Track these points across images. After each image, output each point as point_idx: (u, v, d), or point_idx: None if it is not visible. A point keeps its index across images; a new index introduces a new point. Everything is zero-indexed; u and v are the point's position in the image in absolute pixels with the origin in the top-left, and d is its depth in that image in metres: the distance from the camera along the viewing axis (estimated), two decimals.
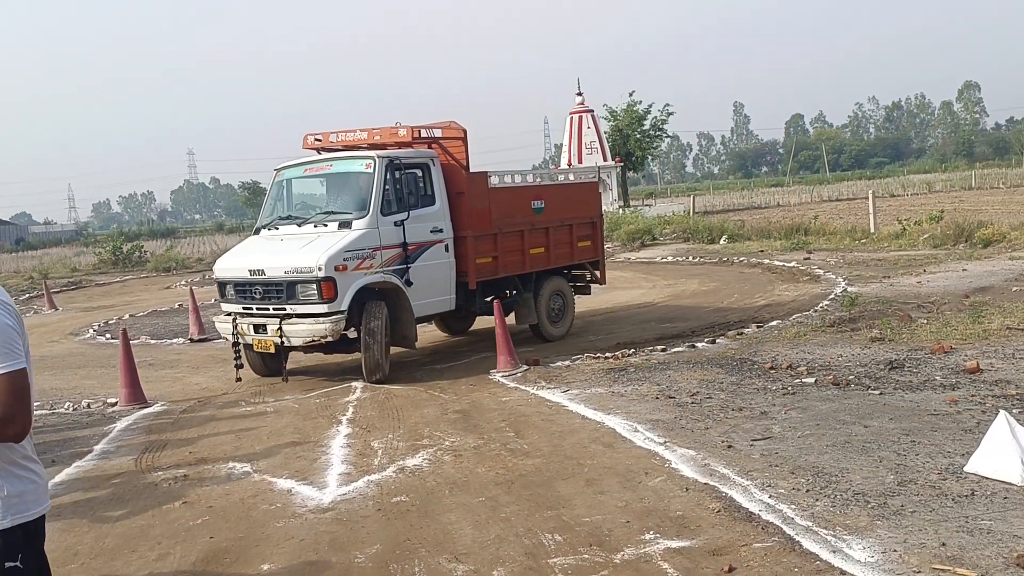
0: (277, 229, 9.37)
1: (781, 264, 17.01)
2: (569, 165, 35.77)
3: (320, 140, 10.00)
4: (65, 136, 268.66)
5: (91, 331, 14.78)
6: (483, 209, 9.72)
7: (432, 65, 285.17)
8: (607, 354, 9.30)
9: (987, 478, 4.75)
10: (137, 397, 8.55)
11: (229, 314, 9.03)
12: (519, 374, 8.67)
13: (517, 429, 6.67)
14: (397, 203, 8.98)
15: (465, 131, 9.76)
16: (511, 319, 10.72)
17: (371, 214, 8.79)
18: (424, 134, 9.51)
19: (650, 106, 39.08)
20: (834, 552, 4.01)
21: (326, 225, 8.91)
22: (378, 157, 9.02)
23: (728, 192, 65.98)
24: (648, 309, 13.10)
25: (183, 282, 23.95)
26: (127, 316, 16.74)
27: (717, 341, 9.63)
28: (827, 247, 19.78)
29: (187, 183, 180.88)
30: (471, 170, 9.79)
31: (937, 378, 7.16)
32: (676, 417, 6.59)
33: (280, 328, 8.44)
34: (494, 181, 10.03)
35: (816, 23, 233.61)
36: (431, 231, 9.31)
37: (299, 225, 9.18)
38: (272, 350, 8.73)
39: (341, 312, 8.40)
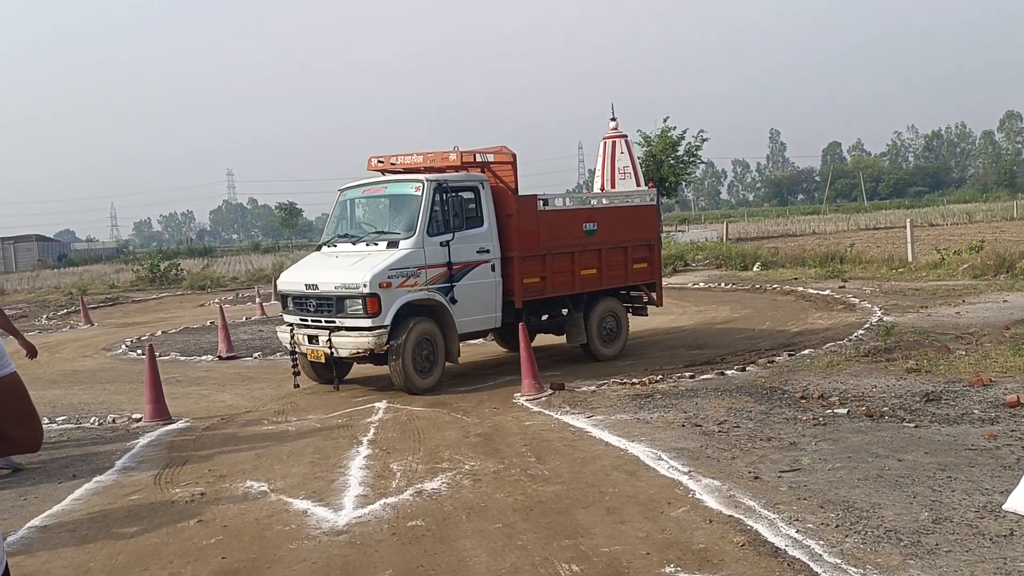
0: (335, 247, 9.92)
1: (815, 292, 16.72)
2: (602, 190, 35.66)
3: (382, 162, 10.49)
4: (109, 155, 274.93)
5: (123, 347, 14.93)
6: (531, 231, 9.96)
7: (470, 89, 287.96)
8: (634, 380, 9.14)
9: None
10: (161, 413, 8.57)
11: (290, 325, 9.65)
12: (543, 398, 8.55)
13: (538, 454, 6.55)
14: (444, 224, 9.35)
15: (515, 156, 10.09)
16: (562, 338, 11.06)
17: (417, 234, 9.16)
18: (478, 158, 9.88)
19: (684, 132, 38.85)
20: None
21: (376, 244, 9.38)
22: (427, 180, 9.39)
23: (763, 219, 65.40)
24: (678, 335, 12.91)
25: (216, 300, 24.19)
26: (160, 332, 16.91)
27: (747, 369, 9.43)
28: (863, 276, 19.41)
29: (226, 203, 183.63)
30: (520, 193, 10.05)
31: (975, 411, 6.91)
32: (702, 446, 6.42)
33: (330, 339, 8.98)
34: (543, 204, 10.28)
35: (854, 51, 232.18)
36: (478, 251, 9.62)
37: (353, 243, 9.69)
38: (323, 360, 9.26)
39: (384, 327, 8.85)
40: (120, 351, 14.51)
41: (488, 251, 9.70)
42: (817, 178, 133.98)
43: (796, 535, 4.53)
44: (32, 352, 7.52)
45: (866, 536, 4.46)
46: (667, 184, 41.95)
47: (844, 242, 29.04)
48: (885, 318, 12.45)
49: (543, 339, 12.11)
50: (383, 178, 10.30)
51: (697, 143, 41.17)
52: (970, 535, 4.38)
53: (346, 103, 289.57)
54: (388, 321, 8.84)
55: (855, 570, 4.06)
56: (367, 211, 10.40)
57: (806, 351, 10.30)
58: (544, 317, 10.86)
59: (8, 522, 5.67)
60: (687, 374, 9.33)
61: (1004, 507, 4.69)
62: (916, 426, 6.60)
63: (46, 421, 8.92)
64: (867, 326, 11.87)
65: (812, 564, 4.16)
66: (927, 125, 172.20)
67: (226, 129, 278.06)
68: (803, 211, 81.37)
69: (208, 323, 17.89)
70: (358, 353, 8.97)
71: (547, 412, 7.97)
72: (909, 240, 21.72)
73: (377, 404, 8.83)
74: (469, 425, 7.70)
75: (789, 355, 10.13)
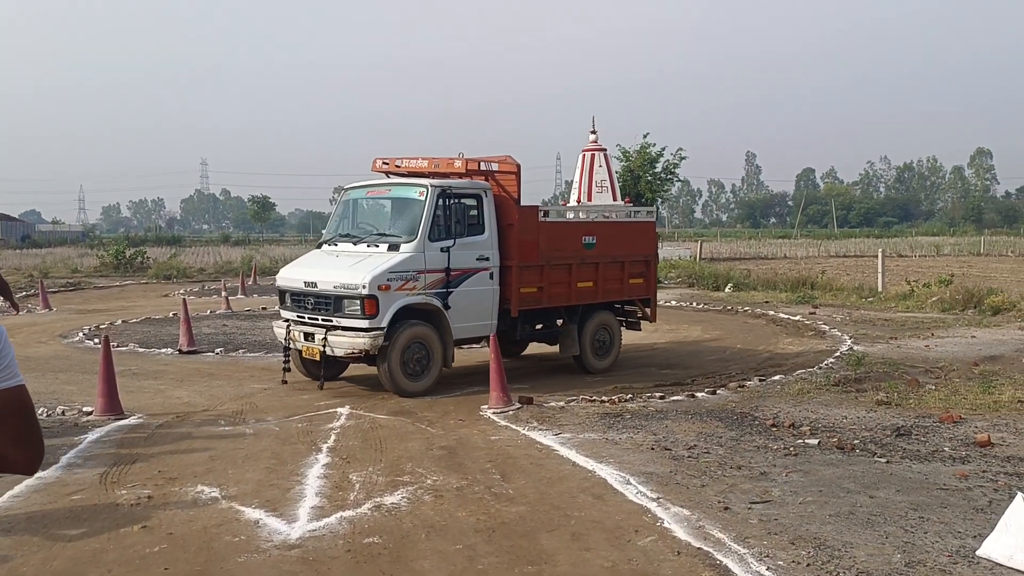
0: (336, 245, 9.95)
1: (786, 317, 16.73)
2: (578, 202, 35.60)
3: (387, 164, 10.51)
4: (81, 137, 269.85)
5: (80, 334, 14.49)
6: (531, 241, 9.97)
7: (453, 94, 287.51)
8: (603, 397, 8.99)
9: (1001, 565, 4.42)
10: (113, 408, 8.23)
11: (286, 320, 9.72)
12: (511, 412, 8.36)
13: (503, 471, 6.35)
14: (446, 230, 9.38)
15: (519, 166, 10.09)
16: (552, 349, 11.15)
17: (419, 239, 9.17)
18: (482, 167, 9.86)
19: (663, 149, 39.01)
20: None
21: (377, 246, 9.40)
22: (431, 186, 9.41)
23: (735, 240, 65.87)
24: (649, 352, 12.80)
25: (181, 291, 23.70)
26: (120, 321, 16.46)
27: (718, 392, 9.33)
28: (833, 303, 19.50)
29: (198, 193, 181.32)
30: (523, 203, 10.05)
31: (946, 449, 6.85)
32: (671, 471, 6.27)
33: (325, 338, 9.01)
34: (544, 215, 10.33)
35: (832, 79, 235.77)
36: (477, 259, 9.62)
37: (354, 243, 9.72)
38: (317, 357, 9.23)
39: (381, 328, 8.86)
40: (77, 339, 14.07)
41: (488, 259, 9.70)
42: (790, 203, 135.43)
43: (767, 573, 4.38)
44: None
45: None
46: (643, 200, 41.91)
47: (815, 268, 29.26)
48: (855, 347, 12.44)
49: (531, 348, 11.98)
50: (387, 180, 10.29)
51: (675, 161, 41.25)
52: None
53: (328, 101, 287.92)
54: (385, 323, 8.85)
55: None
56: (370, 212, 10.42)
57: (777, 377, 10.23)
58: (538, 327, 10.86)
59: None
60: (657, 394, 9.20)
61: (978, 552, 4.59)
62: (887, 461, 6.51)
63: None
64: (837, 354, 11.85)
65: None
66: (899, 157, 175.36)
67: (202, 118, 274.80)
68: (775, 234, 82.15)
69: (171, 314, 17.44)
70: (353, 353, 8.96)
71: (514, 427, 7.78)
72: (880, 270, 21.87)
73: (339, 409, 8.58)
74: (433, 436, 7.48)
75: (760, 380, 10.04)
